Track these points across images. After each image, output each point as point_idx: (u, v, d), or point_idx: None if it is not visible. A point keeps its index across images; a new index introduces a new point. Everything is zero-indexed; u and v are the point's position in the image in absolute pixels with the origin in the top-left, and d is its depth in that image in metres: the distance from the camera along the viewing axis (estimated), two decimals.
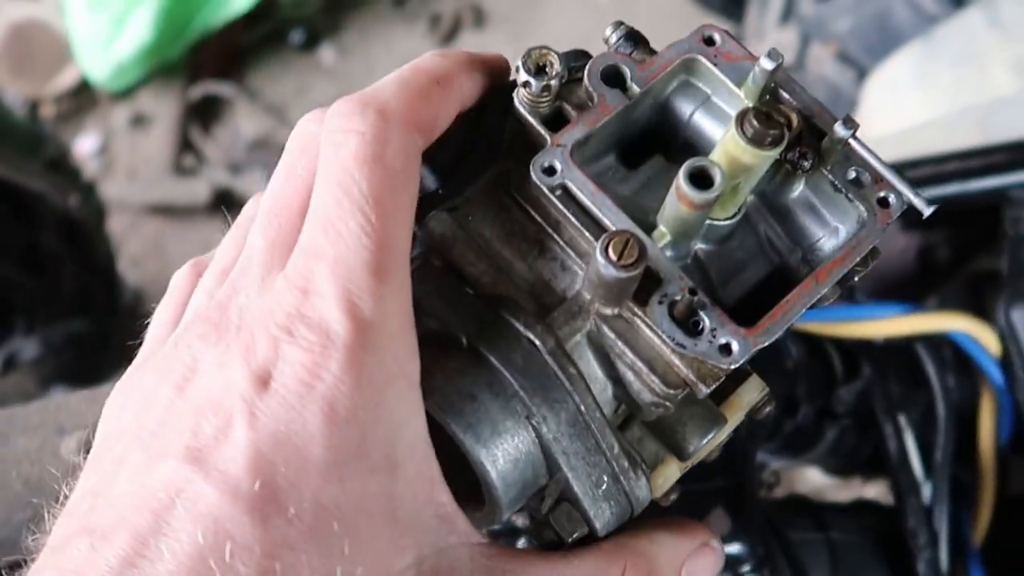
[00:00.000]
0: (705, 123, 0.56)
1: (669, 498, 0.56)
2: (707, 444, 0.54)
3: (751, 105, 0.51)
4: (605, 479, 0.51)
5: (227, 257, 0.53)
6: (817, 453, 0.99)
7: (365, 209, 0.46)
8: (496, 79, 0.56)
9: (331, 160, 0.48)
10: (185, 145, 3.14)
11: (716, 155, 0.50)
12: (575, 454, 0.50)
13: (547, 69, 0.51)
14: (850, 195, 0.52)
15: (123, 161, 3.13)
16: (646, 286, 0.49)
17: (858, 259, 0.52)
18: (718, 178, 0.47)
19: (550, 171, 0.51)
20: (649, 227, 0.51)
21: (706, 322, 0.48)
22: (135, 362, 0.54)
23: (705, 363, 0.49)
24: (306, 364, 0.44)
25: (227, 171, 3.06)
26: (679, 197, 0.48)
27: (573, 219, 0.51)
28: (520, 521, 0.68)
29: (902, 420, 0.95)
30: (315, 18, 3.30)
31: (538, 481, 0.52)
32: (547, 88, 0.52)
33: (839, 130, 0.51)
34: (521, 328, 0.50)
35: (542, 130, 0.52)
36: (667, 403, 0.51)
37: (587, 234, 0.51)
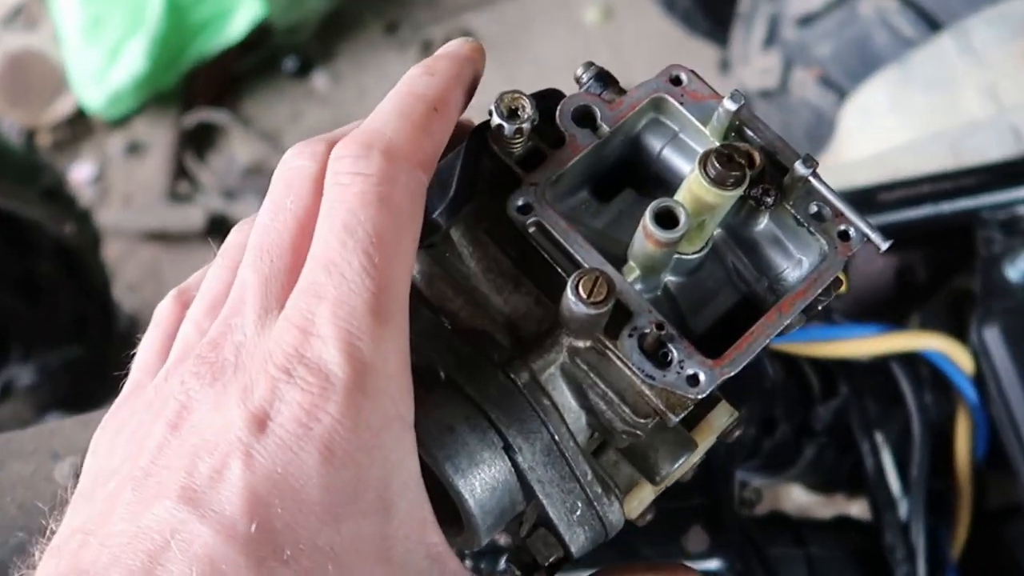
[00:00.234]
0: (674, 159, 0.58)
1: (645, 518, 0.58)
2: (678, 468, 0.56)
3: (716, 144, 0.54)
4: (579, 505, 0.52)
5: (215, 290, 0.53)
6: (797, 470, 1.00)
7: (369, 250, 0.46)
8: (473, 86, 0.56)
9: (336, 200, 0.47)
10: (180, 172, 3.16)
11: (681, 195, 0.52)
12: (550, 482, 0.52)
13: (519, 113, 0.53)
14: (812, 229, 0.54)
15: (119, 188, 3.15)
16: (617, 319, 0.50)
17: (820, 290, 0.53)
18: (683, 218, 0.49)
19: (525, 209, 0.53)
20: (621, 260, 0.53)
21: (674, 354, 0.50)
22: (123, 394, 0.53)
23: (674, 393, 0.50)
24: (304, 406, 0.43)
25: (222, 197, 3.08)
26: (646, 236, 0.49)
27: (547, 255, 0.53)
28: (503, 540, 0.69)
29: (879, 437, 0.96)
30: (308, 45, 3.32)
31: (515, 508, 0.53)
32: (519, 131, 0.54)
33: (799, 168, 0.52)
34: (496, 362, 0.52)
35: (516, 169, 0.54)
36: (638, 431, 0.53)
37: (559, 270, 0.52)
